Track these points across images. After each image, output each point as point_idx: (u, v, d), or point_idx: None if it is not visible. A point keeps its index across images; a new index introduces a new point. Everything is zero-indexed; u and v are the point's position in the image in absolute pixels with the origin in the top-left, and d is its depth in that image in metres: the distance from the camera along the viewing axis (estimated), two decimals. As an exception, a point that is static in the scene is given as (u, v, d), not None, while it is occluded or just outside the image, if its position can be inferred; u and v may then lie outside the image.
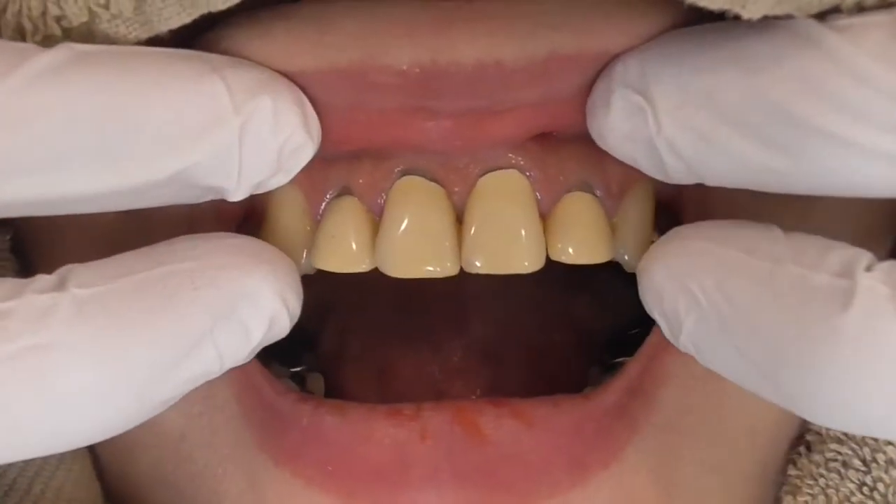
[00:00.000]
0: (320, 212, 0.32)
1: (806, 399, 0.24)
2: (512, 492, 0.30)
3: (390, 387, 0.40)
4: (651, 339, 0.32)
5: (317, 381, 0.38)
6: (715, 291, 0.25)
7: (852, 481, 0.32)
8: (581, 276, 0.36)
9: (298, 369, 0.37)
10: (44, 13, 0.25)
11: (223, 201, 0.27)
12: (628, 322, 0.39)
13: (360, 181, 0.31)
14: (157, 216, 0.29)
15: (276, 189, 0.28)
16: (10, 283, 0.25)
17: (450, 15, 0.27)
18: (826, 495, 0.33)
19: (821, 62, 0.24)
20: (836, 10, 0.24)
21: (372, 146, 0.30)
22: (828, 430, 0.33)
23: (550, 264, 0.32)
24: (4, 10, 0.26)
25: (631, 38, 0.27)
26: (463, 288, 0.40)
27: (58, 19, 0.25)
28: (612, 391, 0.32)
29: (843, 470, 0.33)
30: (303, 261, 0.33)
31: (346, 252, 0.32)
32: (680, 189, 0.31)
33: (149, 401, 0.25)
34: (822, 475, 0.33)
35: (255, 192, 0.27)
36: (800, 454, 0.34)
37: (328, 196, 0.32)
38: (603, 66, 0.28)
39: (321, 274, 0.33)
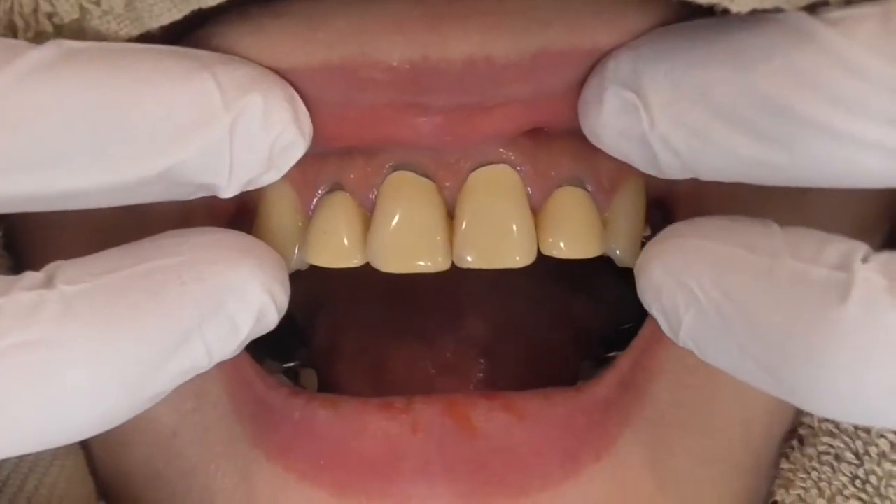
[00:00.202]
0: (312, 207, 0.32)
1: (807, 391, 0.24)
2: (503, 485, 0.30)
3: (384, 382, 0.40)
4: (643, 333, 0.32)
5: (310, 377, 0.38)
6: (713, 287, 0.26)
7: (845, 474, 0.33)
8: (574, 270, 0.36)
9: (291, 364, 0.37)
10: (35, 10, 0.25)
11: (215, 197, 0.27)
12: (622, 317, 0.39)
13: (352, 176, 0.32)
14: (149, 213, 0.29)
15: (268, 185, 0.28)
16: None
17: (440, 11, 0.27)
18: (819, 488, 0.33)
19: (814, 55, 0.24)
20: (824, 3, 0.24)
21: (363, 143, 0.30)
22: (820, 423, 0.33)
23: (543, 259, 0.32)
24: None
25: (622, 34, 0.28)
26: (455, 282, 0.40)
27: (49, 16, 0.26)
28: (604, 384, 0.32)
29: (835, 463, 0.33)
30: (295, 256, 0.33)
31: (337, 247, 0.32)
32: (672, 184, 0.32)
33: (139, 395, 0.26)
34: (814, 468, 0.33)
35: (246, 189, 0.27)
36: (792, 448, 0.34)
37: (320, 192, 0.32)
38: (594, 63, 0.28)
39: (313, 269, 0.33)
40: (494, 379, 0.41)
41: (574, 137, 0.29)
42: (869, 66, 0.23)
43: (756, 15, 0.24)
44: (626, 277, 0.30)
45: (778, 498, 0.33)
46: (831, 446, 0.33)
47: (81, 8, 0.25)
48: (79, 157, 0.25)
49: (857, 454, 0.32)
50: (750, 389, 0.26)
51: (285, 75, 0.28)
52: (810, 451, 0.33)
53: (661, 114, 0.26)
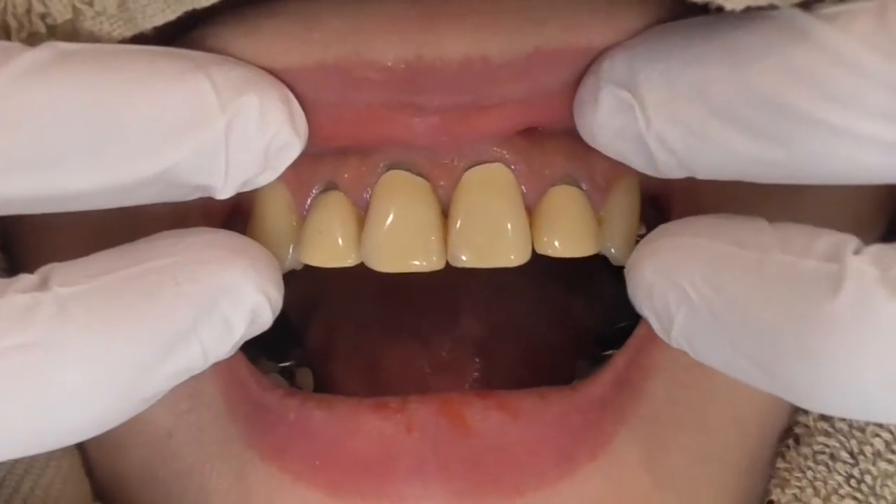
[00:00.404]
0: (306, 207, 0.32)
1: (803, 387, 0.24)
2: (499, 484, 0.30)
3: (379, 381, 0.40)
4: (639, 332, 0.32)
5: (306, 376, 0.38)
6: (705, 285, 0.26)
7: (840, 474, 0.32)
8: (570, 269, 0.36)
9: (287, 364, 0.37)
10: (28, 10, 0.25)
11: (210, 198, 0.27)
12: (617, 315, 0.39)
13: (346, 176, 0.31)
14: (144, 214, 0.29)
15: (262, 185, 0.28)
16: None
17: (436, 11, 0.27)
18: (814, 488, 0.33)
19: (809, 52, 0.24)
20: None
21: (358, 143, 0.30)
22: (816, 423, 0.33)
23: (539, 258, 0.32)
24: None
25: (617, 32, 0.28)
26: (450, 282, 0.40)
27: (42, 17, 0.26)
28: (600, 383, 0.32)
29: (830, 462, 0.33)
30: (289, 256, 0.33)
31: (332, 247, 0.32)
32: (667, 182, 0.31)
33: (134, 397, 0.26)
34: (810, 468, 0.33)
35: (242, 190, 0.27)
36: (788, 447, 0.34)
37: (314, 191, 0.32)
38: (589, 62, 0.28)
39: (308, 269, 0.33)
40: (490, 378, 0.41)
41: (568, 136, 0.29)
42: (865, 62, 0.23)
43: (750, 12, 0.25)
44: (621, 276, 0.30)
45: (774, 497, 0.33)
46: (826, 445, 0.33)
47: (74, 9, 0.25)
48: (74, 159, 0.25)
49: (852, 453, 0.32)
50: (745, 388, 0.26)
51: (280, 76, 0.28)
52: (806, 450, 0.33)
53: (656, 113, 0.26)
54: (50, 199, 0.25)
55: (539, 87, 0.28)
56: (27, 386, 0.24)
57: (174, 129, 0.25)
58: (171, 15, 0.25)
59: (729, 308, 0.25)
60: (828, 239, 0.24)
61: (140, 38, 0.26)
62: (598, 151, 0.28)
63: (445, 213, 0.31)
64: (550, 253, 0.32)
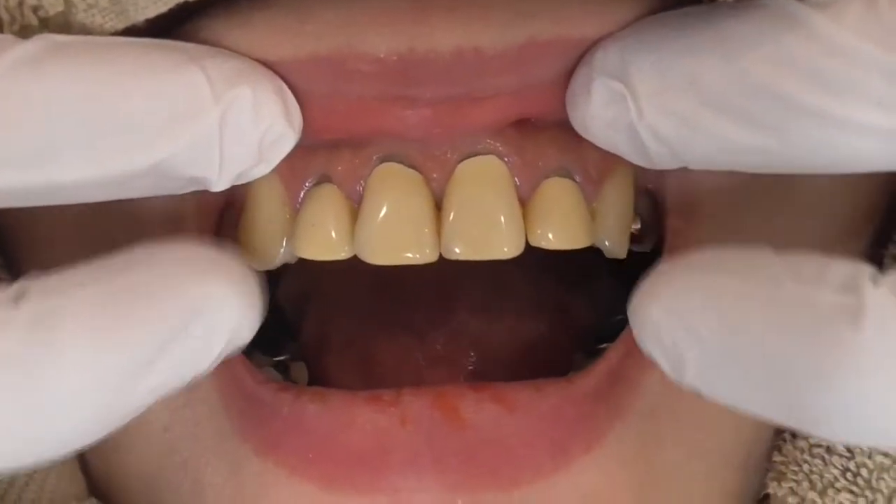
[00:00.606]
0: (299, 200, 0.32)
1: (832, 421, 0.24)
2: (493, 476, 0.30)
3: (373, 374, 0.40)
4: (633, 325, 0.32)
5: (300, 370, 0.38)
6: (717, 323, 0.25)
7: (836, 467, 0.32)
8: (565, 262, 0.36)
9: (281, 358, 0.37)
10: (21, 3, 0.25)
11: (204, 191, 0.27)
12: (613, 308, 0.39)
13: (339, 169, 0.31)
14: (137, 208, 0.29)
15: (256, 178, 0.28)
16: None
17: (428, 3, 0.27)
18: (810, 481, 0.33)
19: (803, 40, 0.24)
20: None
21: (351, 135, 0.30)
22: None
23: (533, 250, 0.32)
24: None
25: (609, 24, 0.27)
26: (445, 274, 0.40)
27: (34, 9, 0.26)
28: (594, 376, 0.32)
29: (827, 455, 0.33)
30: (283, 249, 0.33)
31: (325, 240, 0.32)
32: (660, 173, 0.31)
33: (111, 413, 0.25)
34: (806, 461, 0.33)
35: (236, 183, 0.27)
36: (784, 440, 0.34)
37: (307, 184, 0.32)
38: (582, 53, 0.28)
39: (302, 262, 0.33)
40: (485, 371, 0.40)
41: (561, 128, 0.29)
42: (858, 50, 0.23)
43: (743, 2, 0.25)
44: (616, 269, 0.29)
45: (770, 490, 0.33)
46: (822, 439, 0.33)
47: (66, 1, 0.25)
48: (67, 151, 0.24)
49: (848, 447, 0.32)
50: None
51: (273, 68, 0.28)
52: (802, 443, 0.33)
53: (649, 103, 0.26)
54: (43, 191, 0.25)
55: (531, 78, 0.28)
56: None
57: (168, 122, 0.25)
58: (162, 7, 0.25)
59: (744, 346, 0.24)
60: (842, 269, 0.24)
61: (132, 31, 0.26)
62: (591, 143, 0.28)
63: (439, 206, 0.31)
64: (544, 245, 0.32)
